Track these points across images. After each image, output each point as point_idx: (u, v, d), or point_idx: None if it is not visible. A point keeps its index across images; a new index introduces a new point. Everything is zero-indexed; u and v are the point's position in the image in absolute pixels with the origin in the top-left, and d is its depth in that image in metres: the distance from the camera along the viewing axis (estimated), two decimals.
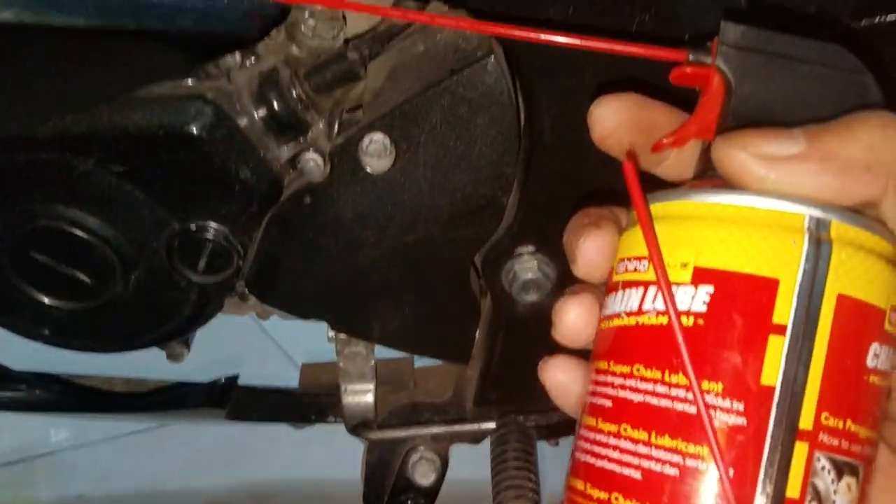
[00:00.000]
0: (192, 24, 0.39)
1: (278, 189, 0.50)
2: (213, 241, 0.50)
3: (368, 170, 0.48)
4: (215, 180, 0.48)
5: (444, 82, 0.44)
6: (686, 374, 0.20)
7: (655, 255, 0.20)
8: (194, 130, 0.46)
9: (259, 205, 0.49)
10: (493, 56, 0.43)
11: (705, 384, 0.20)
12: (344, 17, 0.49)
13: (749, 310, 0.20)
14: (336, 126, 0.48)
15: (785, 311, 0.20)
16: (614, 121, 0.23)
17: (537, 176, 0.50)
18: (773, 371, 0.19)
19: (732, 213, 0.20)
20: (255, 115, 0.48)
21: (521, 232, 0.52)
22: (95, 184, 0.47)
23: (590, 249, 0.23)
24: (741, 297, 0.20)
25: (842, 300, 0.20)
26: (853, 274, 0.20)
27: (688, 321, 0.20)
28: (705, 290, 0.20)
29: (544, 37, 0.24)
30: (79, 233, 0.49)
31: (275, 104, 0.47)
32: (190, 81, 0.46)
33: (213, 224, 0.50)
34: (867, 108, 0.23)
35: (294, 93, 0.47)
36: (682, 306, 0.20)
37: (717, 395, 0.19)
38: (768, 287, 0.19)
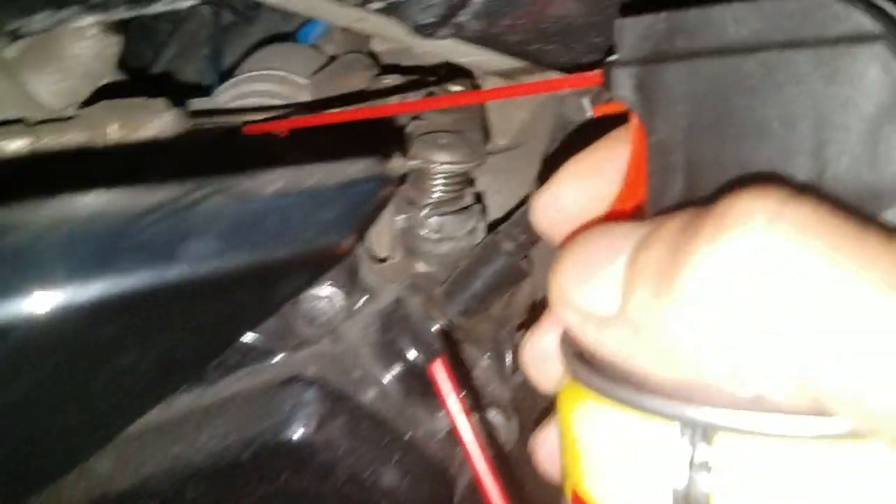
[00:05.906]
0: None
1: (448, 487, 0.30)
2: None
3: None
4: None
5: None
6: None
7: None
8: (297, 434, 0.29)
9: None
10: None
11: None
12: (481, 200, 0.33)
13: None
14: (509, 356, 0.30)
15: None
16: (559, 212, 0.20)
17: None
18: None
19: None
20: (384, 379, 0.30)
21: None
22: None
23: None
24: None
25: None
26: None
27: None
28: None
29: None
30: None
31: (410, 353, 0.30)
32: (277, 359, 0.30)
33: None
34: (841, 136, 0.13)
35: (435, 327, 0.30)
36: None
37: None
38: None
